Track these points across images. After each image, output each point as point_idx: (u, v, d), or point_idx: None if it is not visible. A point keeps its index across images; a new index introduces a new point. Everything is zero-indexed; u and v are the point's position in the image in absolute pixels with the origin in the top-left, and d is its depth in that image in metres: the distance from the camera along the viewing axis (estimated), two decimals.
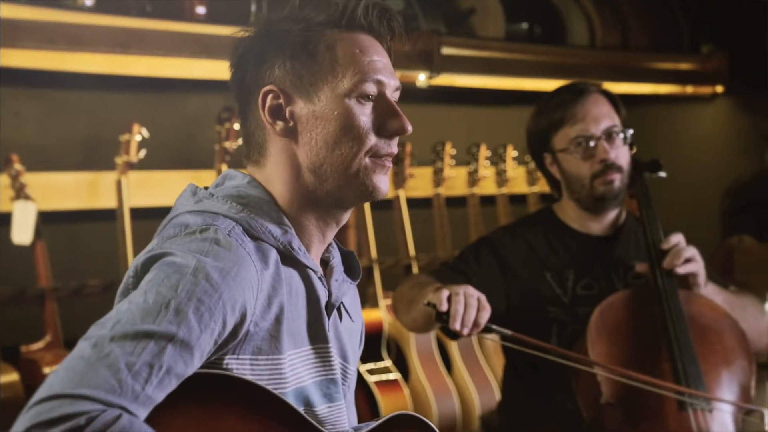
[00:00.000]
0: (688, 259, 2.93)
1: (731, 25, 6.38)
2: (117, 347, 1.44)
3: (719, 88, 6.57)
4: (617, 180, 3.02)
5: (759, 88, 6.30)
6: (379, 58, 1.78)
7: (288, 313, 1.70)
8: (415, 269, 5.02)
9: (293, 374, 1.72)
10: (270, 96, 1.76)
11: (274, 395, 1.61)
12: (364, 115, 1.76)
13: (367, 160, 1.76)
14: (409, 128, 1.78)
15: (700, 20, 6.51)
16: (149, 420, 1.46)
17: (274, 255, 1.71)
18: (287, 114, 1.76)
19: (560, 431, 2.98)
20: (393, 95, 1.81)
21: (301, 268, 1.77)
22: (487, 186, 5.54)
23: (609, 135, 3.03)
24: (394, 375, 4.64)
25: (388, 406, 4.50)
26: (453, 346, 4.95)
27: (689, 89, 6.59)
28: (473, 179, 5.41)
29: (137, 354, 1.45)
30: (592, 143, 3.02)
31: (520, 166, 5.76)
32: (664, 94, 6.64)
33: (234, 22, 4.08)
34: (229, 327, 1.58)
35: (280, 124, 1.76)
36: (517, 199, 5.69)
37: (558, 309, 3.04)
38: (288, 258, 1.74)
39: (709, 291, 3.01)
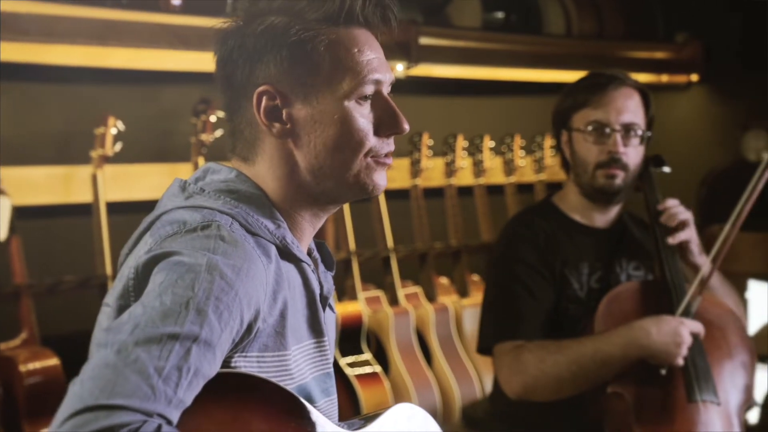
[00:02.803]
0: (683, 222, 2.97)
1: (706, 14, 6.39)
2: (143, 352, 1.39)
3: (694, 77, 6.60)
4: (619, 177, 3.01)
5: (734, 77, 6.33)
6: (375, 54, 1.75)
7: (290, 308, 1.68)
8: (393, 261, 4.99)
9: (298, 370, 1.70)
10: (265, 97, 1.71)
11: (291, 394, 1.58)
12: (363, 116, 1.73)
13: (367, 161, 1.73)
14: (407, 127, 1.76)
15: (675, 8, 6.51)
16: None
17: (273, 250, 1.68)
18: (284, 116, 1.72)
19: (560, 421, 2.95)
20: (387, 90, 1.78)
21: (296, 262, 1.74)
22: (465, 177, 5.51)
23: (627, 130, 3.00)
24: (374, 368, 4.61)
25: (368, 399, 4.47)
26: (432, 338, 4.93)
27: (664, 78, 6.61)
28: (450, 170, 5.38)
29: (164, 358, 1.40)
30: (607, 131, 2.99)
31: (497, 156, 5.74)
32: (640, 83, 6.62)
33: (210, 13, 4.10)
34: (246, 324, 1.56)
35: (276, 125, 1.72)
36: (495, 190, 5.67)
37: (576, 306, 3.03)
38: (284, 253, 1.71)
39: (703, 260, 3.02)
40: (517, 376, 2.90)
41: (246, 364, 1.61)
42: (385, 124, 1.74)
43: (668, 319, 2.80)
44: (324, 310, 1.79)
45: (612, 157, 2.99)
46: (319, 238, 1.90)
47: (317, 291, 1.78)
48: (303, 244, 1.79)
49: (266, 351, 1.63)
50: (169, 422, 1.39)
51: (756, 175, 2.93)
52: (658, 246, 2.99)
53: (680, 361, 2.78)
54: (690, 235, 3.00)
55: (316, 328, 1.76)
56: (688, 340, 2.78)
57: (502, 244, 3.15)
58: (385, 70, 1.76)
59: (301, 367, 1.71)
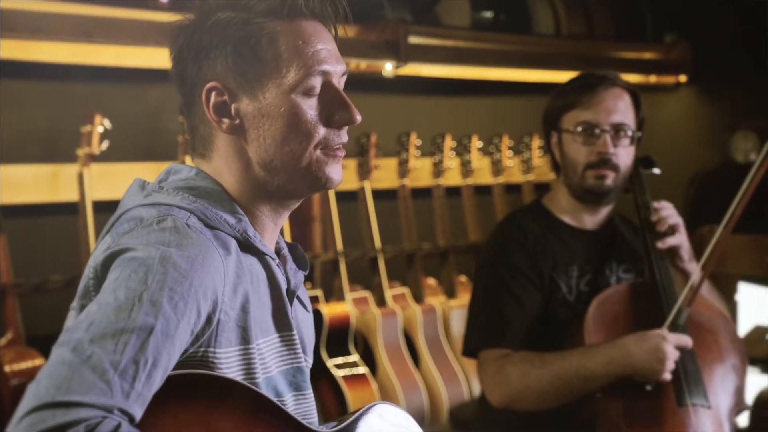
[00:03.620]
0: (673, 227, 2.96)
1: (694, 15, 6.39)
2: (98, 348, 1.39)
3: (683, 78, 6.61)
4: (609, 178, 2.97)
5: (722, 78, 6.33)
6: (323, 45, 1.73)
7: (253, 301, 1.67)
8: (381, 261, 4.97)
9: (262, 364, 1.69)
10: (213, 93, 1.71)
11: (253, 390, 1.59)
12: (311, 108, 1.72)
13: (317, 153, 1.72)
14: (358, 118, 1.75)
15: (664, 9, 6.51)
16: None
17: (233, 243, 1.67)
18: (232, 111, 1.72)
19: (550, 425, 2.93)
20: (340, 81, 1.77)
21: (260, 256, 1.74)
22: (452, 177, 5.50)
23: (617, 131, 2.97)
24: (362, 369, 4.60)
25: (356, 400, 4.45)
26: (420, 339, 4.91)
27: (653, 78, 6.62)
28: (438, 170, 5.37)
29: (120, 352, 1.40)
30: (596, 131, 2.97)
31: (484, 156, 5.73)
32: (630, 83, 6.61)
33: None
34: (204, 315, 1.55)
35: (225, 121, 1.72)
36: (483, 190, 5.66)
37: (564, 309, 3.00)
38: (246, 246, 1.71)
39: (693, 267, 3.00)
40: (501, 387, 2.90)
41: (214, 359, 1.60)
42: (334, 115, 1.73)
43: (651, 336, 2.77)
44: (291, 304, 1.79)
45: (602, 158, 2.96)
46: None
47: (283, 285, 1.77)
48: (266, 239, 1.78)
49: (230, 345, 1.63)
50: (131, 418, 1.39)
51: (747, 180, 2.91)
52: (648, 249, 2.97)
53: (666, 377, 2.76)
54: (680, 240, 2.98)
55: (283, 322, 1.76)
56: (672, 356, 2.75)
57: (491, 247, 3.13)
58: (334, 62, 1.75)
59: (266, 360, 1.70)
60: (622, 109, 2.98)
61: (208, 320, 1.57)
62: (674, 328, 2.81)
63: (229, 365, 1.62)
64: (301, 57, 1.70)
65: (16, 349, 3.75)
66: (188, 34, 1.73)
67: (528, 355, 2.88)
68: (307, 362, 1.85)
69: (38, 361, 3.68)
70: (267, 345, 1.71)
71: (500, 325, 2.95)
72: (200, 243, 1.58)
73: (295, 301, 1.82)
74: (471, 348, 3.02)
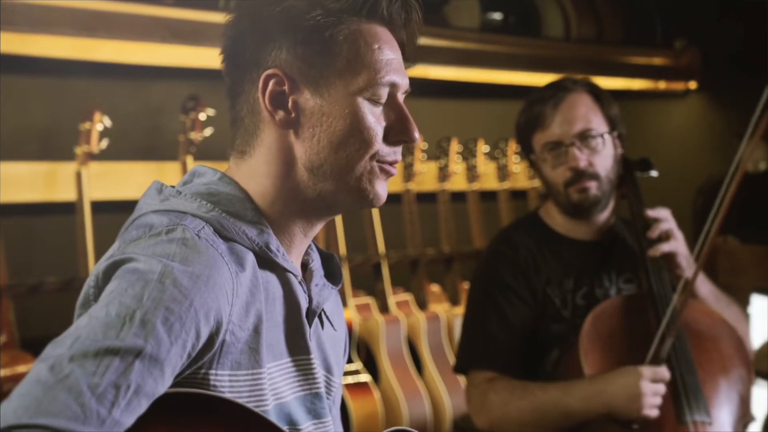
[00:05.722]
0: (666, 233, 2.84)
1: (705, 21, 6.35)
2: (77, 367, 1.28)
3: (692, 84, 6.60)
4: (593, 188, 2.86)
5: (732, 85, 6.28)
6: (395, 55, 1.63)
7: (266, 321, 1.56)
8: (384, 267, 4.90)
9: (273, 390, 1.58)
10: (273, 81, 1.60)
11: (256, 414, 1.46)
12: (375, 117, 1.61)
13: (372, 164, 1.62)
14: (418, 137, 1.65)
15: (674, 15, 6.47)
16: None
17: (250, 258, 1.56)
18: (290, 103, 1.60)
19: None
20: (402, 96, 1.66)
21: (280, 272, 1.62)
22: (458, 182, 5.43)
23: (583, 138, 2.86)
24: (365, 377, 4.53)
25: (358, 409, 4.39)
26: (424, 347, 4.85)
27: (662, 85, 6.61)
28: (444, 174, 5.31)
29: (101, 374, 1.29)
30: (562, 149, 2.87)
31: (491, 161, 5.66)
32: (637, 89, 6.60)
33: (204, 7, 4.02)
34: (204, 337, 1.43)
35: (280, 113, 1.60)
36: (488, 196, 5.60)
37: (559, 325, 2.90)
38: (265, 261, 1.59)
39: (698, 277, 2.89)
40: (484, 413, 2.86)
41: (216, 383, 1.49)
42: (395, 131, 1.63)
43: (624, 373, 2.66)
44: (311, 325, 1.67)
45: (576, 172, 2.86)
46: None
47: (304, 304, 1.65)
48: (293, 254, 1.66)
49: (239, 369, 1.52)
50: None
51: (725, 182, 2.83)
52: (643, 259, 2.87)
53: (651, 413, 2.64)
54: (675, 246, 2.84)
55: (298, 345, 1.64)
56: (649, 392, 2.64)
57: (482, 262, 3.05)
58: (402, 75, 1.65)
59: (279, 386, 1.59)
60: (582, 115, 2.87)
61: (210, 342, 1.45)
62: (656, 361, 2.69)
63: (233, 389, 1.51)
64: (376, 62, 1.61)
65: (10, 353, 3.68)
66: (252, 16, 1.62)
67: (510, 383, 2.82)
68: (336, 383, 1.76)
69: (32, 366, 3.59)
70: (279, 369, 1.60)
71: (487, 344, 2.89)
72: (209, 257, 1.47)
73: (316, 320, 1.70)
74: (460, 366, 2.98)
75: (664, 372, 2.68)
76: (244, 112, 1.64)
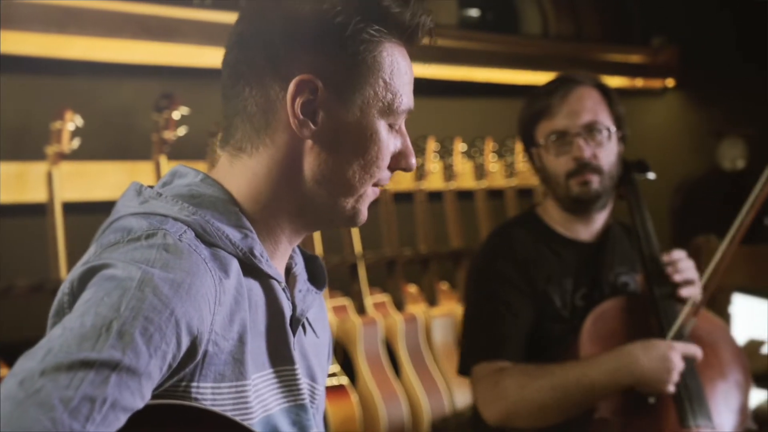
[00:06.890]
0: (689, 280, 2.80)
1: (683, 18, 6.39)
2: (49, 381, 1.21)
3: (670, 82, 6.64)
4: (595, 182, 2.84)
5: (710, 83, 6.31)
6: (412, 80, 1.62)
7: (250, 330, 1.49)
8: (361, 268, 4.85)
9: (259, 402, 1.51)
10: (307, 88, 1.52)
11: (242, 427, 1.41)
12: (390, 143, 1.58)
13: (370, 188, 1.59)
14: (414, 167, 1.64)
15: (652, 12, 6.49)
16: None
17: (235, 265, 1.49)
18: (318, 114, 1.54)
19: None
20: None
21: (263, 278, 1.55)
22: (435, 181, 5.40)
23: (589, 131, 2.83)
24: (342, 380, 4.47)
25: (336, 413, 4.34)
26: (401, 349, 4.81)
27: (639, 82, 6.66)
28: (421, 174, 5.26)
29: (74, 387, 1.21)
30: (567, 138, 2.84)
31: (468, 160, 5.63)
32: (614, 87, 6.56)
33: (177, 3, 3.97)
34: (184, 348, 1.36)
35: (303, 120, 1.53)
36: (465, 195, 5.56)
37: (559, 325, 2.86)
38: (248, 267, 1.52)
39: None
40: (497, 401, 2.75)
41: (198, 395, 1.43)
42: (400, 159, 1.61)
43: (658, 344, 2.66)
44: (295, 333, 1.61)
45: (580, 163, 2.83)
46: None
47: (287, 312, 1.59)
48: (276, 260, 1.60)
49: (222, 381, 1.45)
50: None
51: (755, 191, 2.79)
52: (654, 298, 2.81)
53: (671, 389, 2.65)
54: (693, 292, 2.80)
55: (282, 355, 1.57)
56: (679, 366, 2.64)
57: (481, 258, 3.00)
58: (413, 101, 1.62)
59: (265, 397, 1.53)
60: (589, 108, 2.85)
61: (191, 353, 1.39)
62: (679, 338, 2.70)
63: (216, 402, 1.44)
64: (404, 85, 1.58)
65: None
66: (297, 10, 1.53)
67: (525, 367, 2.75)
68: (319, 391, 1.70)
69: (3, 371, 3.55)
70: (263, 380, 1.53)
71: (496, 337, 2.82)
72: (191, 263, 1.40)
73: (299, 328, 1.64)
74: (465, 364, 2.88)
75: (695, 349, 2.70)
76: (256, 106, 1.55)
